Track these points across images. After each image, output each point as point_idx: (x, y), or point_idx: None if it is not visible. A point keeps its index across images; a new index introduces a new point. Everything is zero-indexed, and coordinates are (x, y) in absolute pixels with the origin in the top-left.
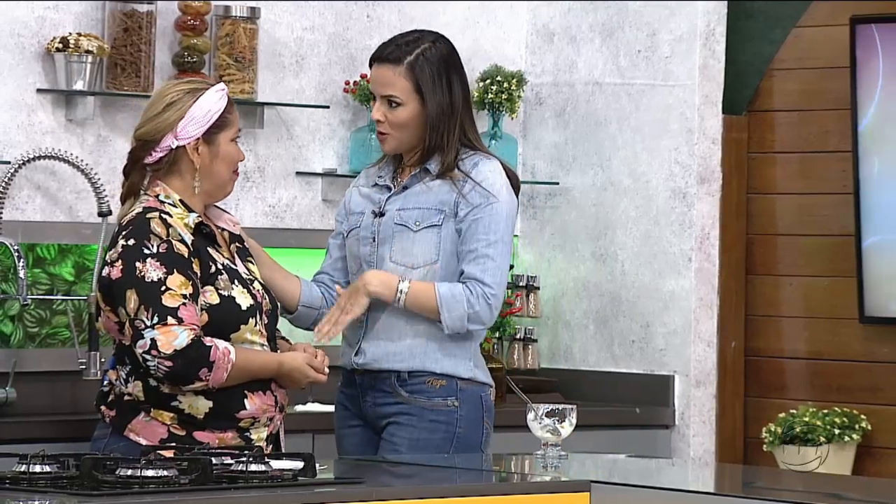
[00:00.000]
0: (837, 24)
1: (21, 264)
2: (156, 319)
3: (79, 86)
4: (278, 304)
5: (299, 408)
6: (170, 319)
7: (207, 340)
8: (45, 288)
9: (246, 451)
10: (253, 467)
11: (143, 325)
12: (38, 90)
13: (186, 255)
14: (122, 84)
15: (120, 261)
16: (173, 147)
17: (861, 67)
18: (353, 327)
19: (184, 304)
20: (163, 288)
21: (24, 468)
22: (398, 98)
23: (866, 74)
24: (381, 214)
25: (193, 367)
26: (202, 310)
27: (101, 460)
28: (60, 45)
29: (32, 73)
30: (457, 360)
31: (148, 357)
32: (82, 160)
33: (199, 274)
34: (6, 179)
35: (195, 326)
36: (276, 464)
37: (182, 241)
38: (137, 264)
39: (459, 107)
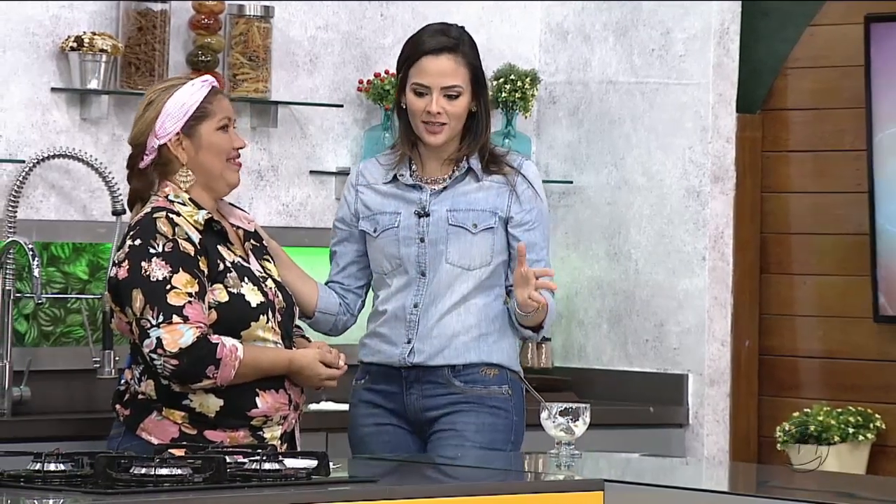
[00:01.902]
0: (852, 22)
1: (35, 263)
2: (161, 318)
3: (93, 85)
4: (294, 302)
5: (313, 406)
6: (175, 318)
7: (214, 338)
8: (60, 287)
9: (259, 450)
10: (266, 466)
11: (148, 325)
12: (53, 89)
13: (192, 253)
14: (137, 83)
15: (126, 261)
16: (156, 147)
17: (876, 66)
18: (397, 326)
19: (189, 302)
20: (168, 287)
21: (38, 467)
22: (461, 88)
23: (881, 73)
24: (427, 214)
25: (200, 365)
26: (211, 308)
27: (116, 459)
28: (75, 44)
29: (47, 72)
30: (506, 354)
31: (154, 356)
32: (96, 159)
33: (206, 272)
34: (21, 178)
35: (201, 324)
36: (290, 462)
37: (188, 239)
38: (143, 264)
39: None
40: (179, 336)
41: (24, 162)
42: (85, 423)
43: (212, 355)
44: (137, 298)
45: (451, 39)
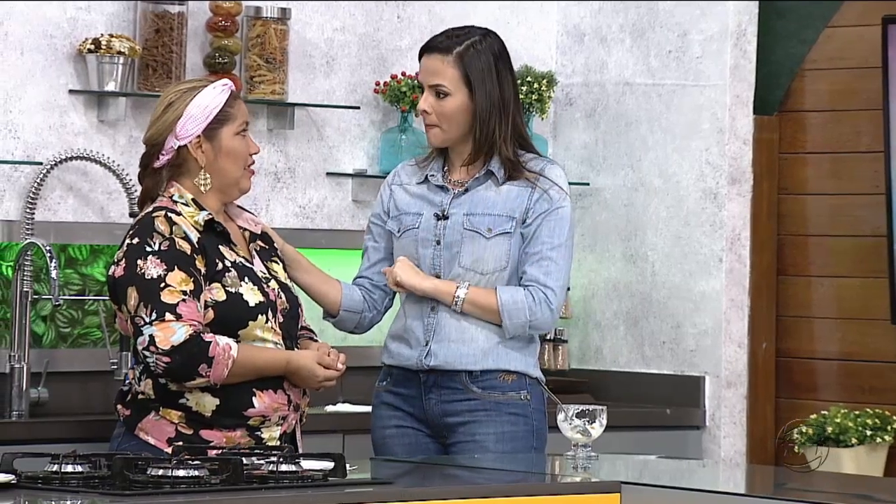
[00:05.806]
0: (869, 23)
1: (53, 265)
2: (154, 316)
3: (110, 87)
4: (299, 304)
5: (329, 408)
6: (168, 316)
7: (208, 336)
8: (77, 288)
9: (276, 451)
10: (283, 467)
11: (142, 322)
12: (70, 91)
13: (189, 252)
14: (154, 85)
15: (124, 259)
16: (175, 147)
17: (893, 67)
18: (415, 328)
19: (183, 300)
20: (162, 285)
21: (56, 468)
22: (446, 88)
23: None
24: (445, 217)
25: (192, 362)
26: (209, 306)
27: (133, 460)
28: (92, 47)
29: (64, 75)
30: (527, 359)
31: (147, 353)
32: (114, 161)
33: (203, 271)
34: (38, 180)
35: (195, 323)
36: (307, 464)
37: (186, 238)
38: (139, 262)
39: (510, 102)
40: (171, 333)
41: (41, 164)
42: (102, 424)
43: (204, 353)
44: (132, 296)
45: (445, 40)
